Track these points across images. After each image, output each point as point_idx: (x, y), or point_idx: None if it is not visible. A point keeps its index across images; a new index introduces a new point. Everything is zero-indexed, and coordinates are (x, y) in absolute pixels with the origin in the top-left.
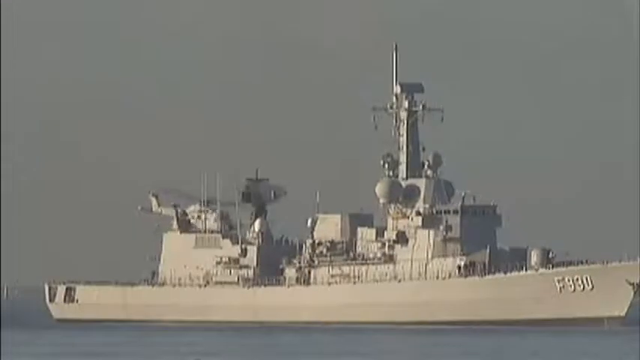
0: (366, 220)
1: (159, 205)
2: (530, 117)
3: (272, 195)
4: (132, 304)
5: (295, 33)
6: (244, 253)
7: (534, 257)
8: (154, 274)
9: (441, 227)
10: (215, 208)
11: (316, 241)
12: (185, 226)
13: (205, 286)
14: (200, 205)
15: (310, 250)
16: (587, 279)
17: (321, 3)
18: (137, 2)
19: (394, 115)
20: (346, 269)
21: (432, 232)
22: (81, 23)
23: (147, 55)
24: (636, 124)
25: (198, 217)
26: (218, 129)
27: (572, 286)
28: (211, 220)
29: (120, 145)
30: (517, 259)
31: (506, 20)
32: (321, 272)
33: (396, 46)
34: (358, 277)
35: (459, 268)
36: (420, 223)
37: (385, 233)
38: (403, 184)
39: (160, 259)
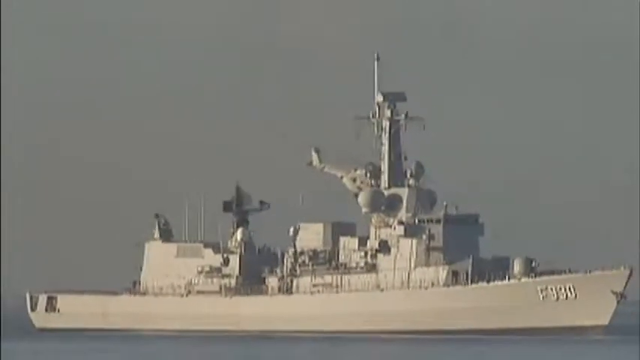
0: (348, 230)
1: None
2: (513, 125)
3: (254, 205)
4: (113, 313)
5: (276, 41)
6: (226, 262)
7: (517, 266)
8: (136, 283)
9: (424, 236)
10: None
11: (298, 251)
12: (167, 235)
13: (187, 295)
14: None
15: (292, 260)
16: (570, 288)
17: (302, 12)
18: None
19: (376, 124)
20: (328, 278)
21: (414, 242)
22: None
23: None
24: (620, 132)
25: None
26: (200, 137)
27: (556, 295)
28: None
29: (103, 155)
30: (500, 268)
31: (488, 28)
32: (304, 281)
33: (378, 55)
34: (340, 286)
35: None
36: (402, 233)
37: (368, 242)
38: (385, 193)
39: (141, 269)
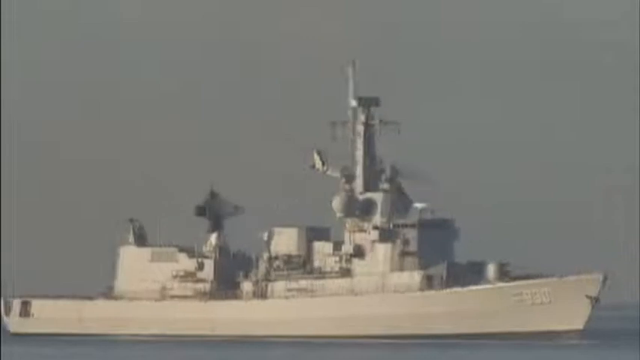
0: (322, 234)
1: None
2: (487, 128)
3: (229, 210)
4: (88, 318)
5: (251, 45)
6: (201, 267)
7: (491, 271)
8: (111, 288)
9: (399, 241)
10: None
11: (273, 255)
12: (141, 239)
13: (161, 300)
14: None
15: (267, 264)
16: (544, 292)
17: (277, 16)
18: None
19: (351, 128)
20: (303, 283)
21: (389, 246)
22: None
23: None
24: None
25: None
26: (175, 141)
27: (530, 300)
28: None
29: (77, 158)
30: (474, 273)
31: (462, 32)
32: (278, 286)
33: (354, 61)
34: (315, 290)
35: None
36: (377, 237)
37: (342, 247)
38: (360, 197)
39: (116, 273)
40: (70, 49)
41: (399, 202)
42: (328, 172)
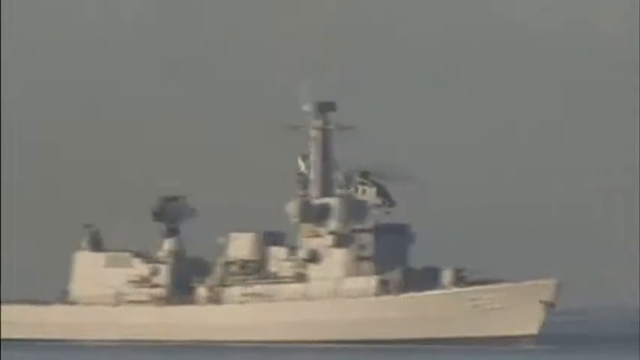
0: (278, 239)
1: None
2: (444, 133)
3: (184, 213)
4: (48, 323)
5: (209, 48)
6: (156, 272)
7: (447, 276)
8: (66, 292)
9: (354, 246)
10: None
11: (228, 260)
12: (96, 244)
13: (117, 305)
14: None
15: (222, 269)
16: (500, 298)
17: (235, 20)
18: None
19: (306, 133)
20: (258, 288)
21: (344, 251)
22: None
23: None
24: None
25: None
26: (130, 147)
27: (486, 305)
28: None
29: (33, 162)
30: (430, 278)
31: (419, 36)
32: (233, 291)
33: (308, 64)
34: (270, 296)
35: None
36: (332, 242)
37: (297, 252)
38: (316, 203)
39: (71, 278)
40: (69, 49)
41: (355, 207)
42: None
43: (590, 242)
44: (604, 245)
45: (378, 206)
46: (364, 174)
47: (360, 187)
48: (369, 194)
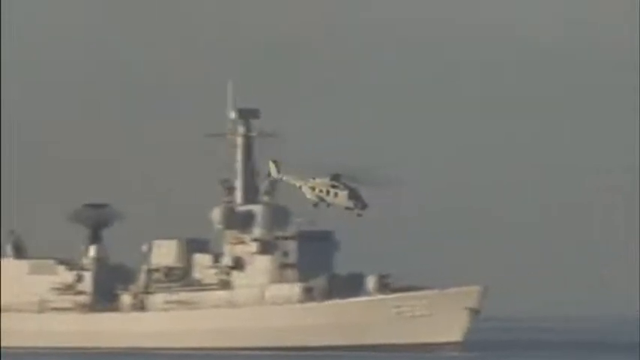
0: (202, 246)
1: None
2: (368, 139)
3: (108, 221)
4: None
5: (135, 56)
6: (80, 279)
7: (371, 283)
8: None
9: (278, 253)
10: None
11: (152, 267)
12: (20, 251)
13: (41, 312)
14: None
15: (146, 276)
16: (424, 305)
17: (159, 27)
18: None
19: (230, 140)
20: (183, 295)
21: (268, 258)
22: None
23: None
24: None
25: None
26: (56, 153)
27: (410, 312)
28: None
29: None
30: (354, 285)
31: (342, 43)
32: (158, 298)
33: (233, 72)
34: (195, 303)
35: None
36: (256, 249)
37: (222, 259)
38: (240, 209)
39: None
40: (69, 49)
41: (279, 213)
42: (284, 179)
43: (590, 242)
44: (604, 245)
45: (350, 209)
46: (336, 177)
47: (332, 190)
48: (340, 197)
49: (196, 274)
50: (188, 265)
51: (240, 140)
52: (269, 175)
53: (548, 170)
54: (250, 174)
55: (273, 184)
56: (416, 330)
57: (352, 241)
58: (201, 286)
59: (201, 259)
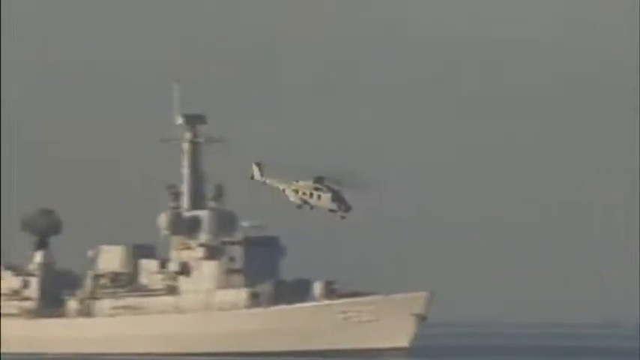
0: (148, 252)
1: None
2: (314, 146)
3: (54, 226)
4: None
5: (82, 62)
6: (26, 284)
7: (318, 288)
8: None
9: (225, 258)
10: None
11: (99, 273)
12: None
13: None
14: None
15: (93, 282)
16: (371, 310)
17: (105, 31)
18: None
19: (177, 146)
20: (129, 301)
21: (215, 264)
22: None
23: None
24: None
25: None
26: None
27: (356, 318)
28: None
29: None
30: (300, 290)
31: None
32: (104, 304)
33: (179, 79)
34: (141, 308)
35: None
36: (203, 255)
37: (168, 265)
38: (186, 215)
39: None
40: (70, 49)
41: (225, 219)
42: (268, 182)
43: (590, 242)
44: (604, 245)
45: (333, 211)
46: (319, 179)
47: (316, 193)
48: (324, 199)
49: (143, 280)
50: (134, 271)
51: (186, 146)
52: (252, 177)
53: (545, 171)
54: (197, 179)
55: (220, 189)
56: (362, 335)
57: (299, 247)
58: (147, 291)
59: (148, 265)
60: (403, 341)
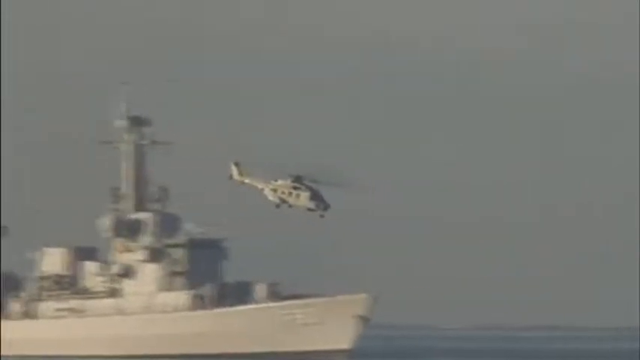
0: (91, 254)
1: None
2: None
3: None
4: None
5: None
6: None
7: (261, 291)
8: None
9: (167, 261)
10: None
11: (42, 275)
12: None
13: None
14: None
15: (36, 284)
16: (313, 312)
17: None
18: None
19: (121, 148)
20: (72, 303)
21: (157, 266)
22: None
23: None
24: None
25: None
26: None
27: (299, 320)
28: None
29: None
30: (244, 293)
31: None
32: (47, 306)
33: (125, 80)
34: (84, 310)
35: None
36: (145, 257)
37: (111, 267)
38: (129, 217)
39: None
40: (12, 48)
41: (168, 222)
42: (247, 182)
43: (590, 242)
44: (604, 245)
45: (312, 210)
46: (297, 178)
47: (294, 192)
48: (302, 198)
49: (85, 282)
50: (77, 273)
51: (130, 148)
52: (230, 177)
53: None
54: (140, 182)
55: (164, 191)
56: (305, 338)
57: (242, 249)
58: (90, 294)
59: (90, 267)
60: (345, 343)
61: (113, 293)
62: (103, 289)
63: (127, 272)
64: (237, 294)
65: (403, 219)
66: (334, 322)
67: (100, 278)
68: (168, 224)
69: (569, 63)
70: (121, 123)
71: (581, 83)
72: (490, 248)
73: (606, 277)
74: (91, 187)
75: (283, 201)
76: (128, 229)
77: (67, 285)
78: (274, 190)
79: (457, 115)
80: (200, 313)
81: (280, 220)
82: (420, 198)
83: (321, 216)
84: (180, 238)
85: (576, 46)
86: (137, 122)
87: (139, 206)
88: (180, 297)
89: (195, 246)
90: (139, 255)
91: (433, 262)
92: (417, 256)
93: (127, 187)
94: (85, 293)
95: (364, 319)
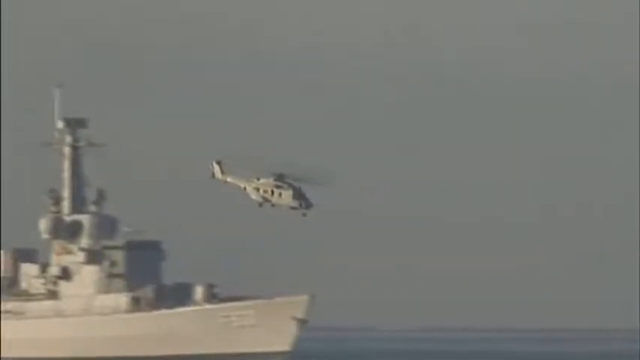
0: (31, 256)
1: None
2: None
3: None
4: None
5: None
6: None
7: (199, 292)
8: None
9: (106, 263)
10: None
11: None
12: None
13: None
14: None
15: None
16: (251, 314)
17: None
18: None
19: (58, 150)
20: (10, 305)
21: (96, 268)
22: None
23: None
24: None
25: None
26: None
27: (237, 322)
28: None
29: None
30: (182, 295)
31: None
32: None
33: (61, 82)
34: (22, 312)
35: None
36: (84, 259)
37: (49, 269)
38: (67, 219)
39: None
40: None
41: (106, 223)
42: (229, 181)
43: (590, 242)
44: (604, 245)
45: (295, 208)
46: (280, 177)
47: (277, 190)
48: (285, 197)
49: (23, 284)
50: (16, 275)
51: (67, 150)
52: (213, 176)
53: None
54: (78, 184)
55: (101, 193)
56: (243, 339)
57: (181, 251)
58: (28, 295)
59: (29, 269)
60: (284, 345)
61: (52, 295)
62: (42, 292)
63: (66, 274)
64: (176, 296)
65: (403, 219)
66: (272, 324)
67: (40, 280)
68: (106, 226)
69: (569, 63)
70: (59, 125)
71: (581, 83)
72: (490, 248)
73: (606, 278)
74: (32, 189)
75: (266, 200)
76: (66, 231)
77: (6, 287)
78: (257, 189)
79: (457, 115)
80: (138, 315)
81: (221, 221)
82: (420, 198)
83: (304, 215)
84: (119, 240)
85: (576, 46)
86: (73, 124)
87: (77, 208)
88: (119, 299)
89: (134, 248)
90: (77, 257)
91: (433, 263)
92: (417, 256)
93: (64, 189)
94: (25, 295)
95: (302, 321)
